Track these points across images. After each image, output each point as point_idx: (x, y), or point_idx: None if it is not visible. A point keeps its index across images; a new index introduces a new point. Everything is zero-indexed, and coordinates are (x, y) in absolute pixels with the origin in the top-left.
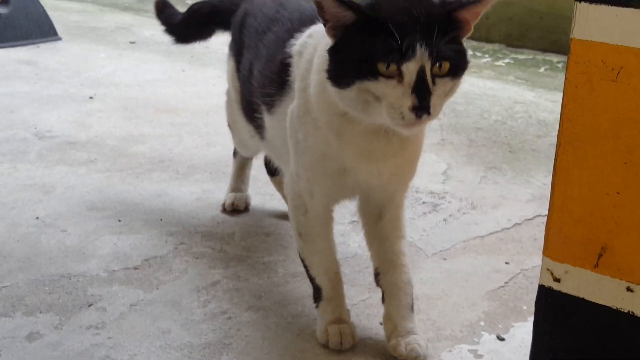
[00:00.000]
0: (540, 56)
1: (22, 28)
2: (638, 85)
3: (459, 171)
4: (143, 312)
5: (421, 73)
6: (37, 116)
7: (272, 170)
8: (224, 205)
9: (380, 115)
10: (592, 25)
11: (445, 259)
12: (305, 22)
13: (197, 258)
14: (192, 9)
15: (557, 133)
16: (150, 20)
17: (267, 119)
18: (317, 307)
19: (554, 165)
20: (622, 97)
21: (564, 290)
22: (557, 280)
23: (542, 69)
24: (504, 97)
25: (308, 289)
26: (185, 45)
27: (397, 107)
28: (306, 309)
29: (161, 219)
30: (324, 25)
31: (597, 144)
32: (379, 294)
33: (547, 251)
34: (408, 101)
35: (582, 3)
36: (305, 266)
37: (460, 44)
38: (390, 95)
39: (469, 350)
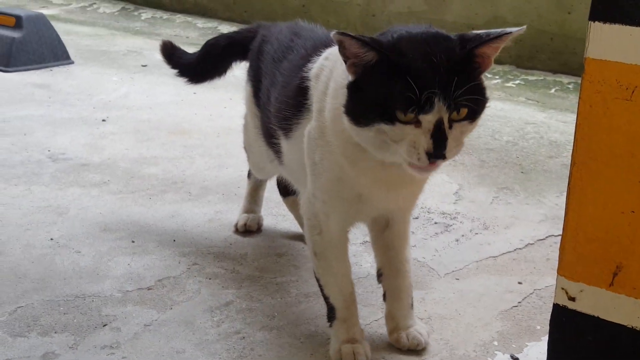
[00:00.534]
0: (550, 77)
1: (36, 52)
2: None
3: (471, 192)
4: (157, 332)
5: (439, 122)
6: (51, 139)
7: (284, 191)
8: (236, 226)
9: (395, 154)
10: (606, 44)
11: (457, 279)
12: (319, 47)
13: (210, 278)
14: (208, 44)
15: (568, 154)
16: None
17: (284, 144)
18: (330, 326)
19: (568, 184)
20: (636, 116)
21: (579, 309)
22: (572, 299)
23: (552, 90)
24: (514, 118)
25: (321, 309)
26: (198, 85)
27: (414, 149)
28: (319, 329)
29: (174, 240)
30: (345, 62)
31: (611, 162)
32: None
33: (562, 270)
34: (425, 145)
35: (597, 22)
36: (320, 285)
37: (480, 81)
38: (408, 138)
39: None
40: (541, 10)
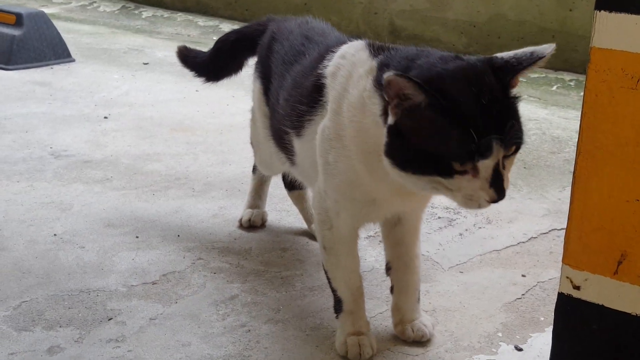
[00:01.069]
0: (552, 75)
1: (36, 50)
2: None
3: None
4: (163, 325)
5: (496, 165)
6: (53, 136)
7: (290, 185)
8: (240, 221)
9: (448, 197)
10: (611, 33)
11: (462, 272)
12: (331, 48)
13: (215, 273)
14: (219, 40)
15: (570, 149)
16: (163, 42)
17: (297, 143)
18: (337, 317)
19: (574, 173)
20: None
21: (583, 297)
22: (577, 287)
23: (554, 87)
24: None
25: (326, 302)
26: (217, 83)
27: (475, 199)
28: (325, 322)
29: (178, 235)
30: (386, 103)
31: (616, 151)
32: None
33: (567, 259)
34: (486, 195)
35: (602, 12)
36: (328, 278)
37: (516, 104)
38: (466, 188)
39: None
40: (543, 8)
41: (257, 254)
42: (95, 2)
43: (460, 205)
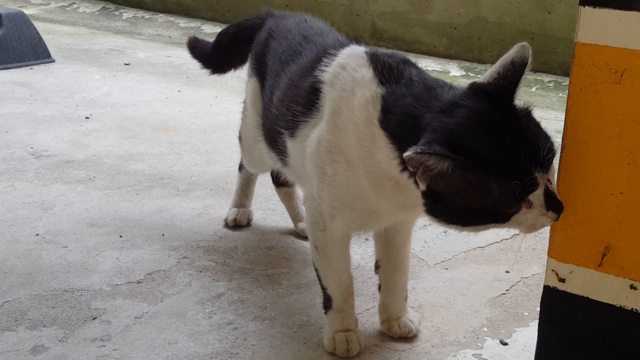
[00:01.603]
0: (531, 76)
1: (16, 50)
2: None
3: None
4: (148, 324)
5: (545, 189)
6: (33, 136)
7: (278, 181)
8: (226, 220)
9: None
10: (595, 28)
11: (447, 268)
12: (329, 49)
13: (200, 271)
14: (220, 33)
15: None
16: (144, 43)
17: (290, 144)
18: (325, 314)
19: (559, 167)
20: (625, 99)
21: (569, 290)
22: (562, 280)
23: (533, 89)
24: None
25: (313, 300)
26: (223, 75)
27: (538, 225)
28: (312, 319)
29: (163, 234)
30: (412, 175)
31: (601, 145)
32: None
33: (552, 252)
34: (547, 219)
35: (587, 7)
36: (318, 276)
37: (531, 117)
38: (527, 220)
39: (473, 355)
40: (522, 10)
41: (243, 252)
42: (74, 3)
43: (525, 234)
